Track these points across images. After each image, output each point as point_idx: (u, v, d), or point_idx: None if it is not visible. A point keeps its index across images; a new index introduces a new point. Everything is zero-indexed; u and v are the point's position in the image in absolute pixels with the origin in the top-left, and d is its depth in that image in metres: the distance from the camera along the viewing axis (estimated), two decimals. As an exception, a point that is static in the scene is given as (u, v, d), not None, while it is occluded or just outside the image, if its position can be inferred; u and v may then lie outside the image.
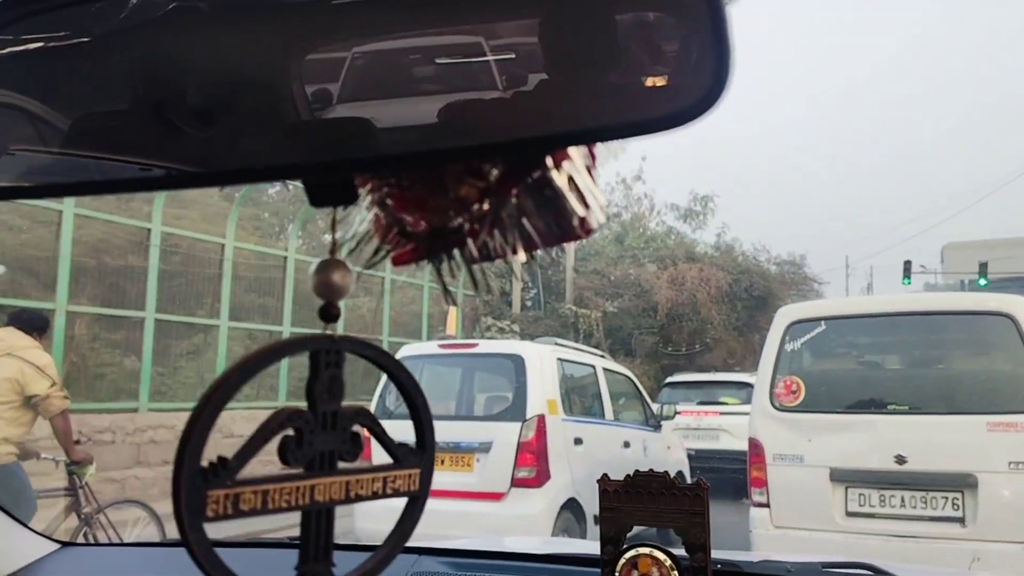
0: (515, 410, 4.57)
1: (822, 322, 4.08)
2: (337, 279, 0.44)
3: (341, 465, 0.45)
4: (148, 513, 4.55)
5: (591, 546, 0.89)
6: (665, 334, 16.25)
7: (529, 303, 16.81)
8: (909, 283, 20.11)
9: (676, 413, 7.02)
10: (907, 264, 20.28)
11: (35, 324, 4.02)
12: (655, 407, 6.70)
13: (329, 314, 0.45)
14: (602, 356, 6.16)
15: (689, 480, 6.91)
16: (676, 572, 0.84)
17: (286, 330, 9.11)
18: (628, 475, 0.92)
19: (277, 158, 0.46)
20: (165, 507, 4.50)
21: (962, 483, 3.50)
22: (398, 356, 5.17)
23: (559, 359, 5.02)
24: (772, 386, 4.01)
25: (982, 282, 18.11)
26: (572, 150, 0.45)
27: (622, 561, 0.87)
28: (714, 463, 7.82)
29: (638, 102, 0.42)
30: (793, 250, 21.91)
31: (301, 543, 0.44)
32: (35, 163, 0.48)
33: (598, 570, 0.91)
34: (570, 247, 16.31)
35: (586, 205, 0.46)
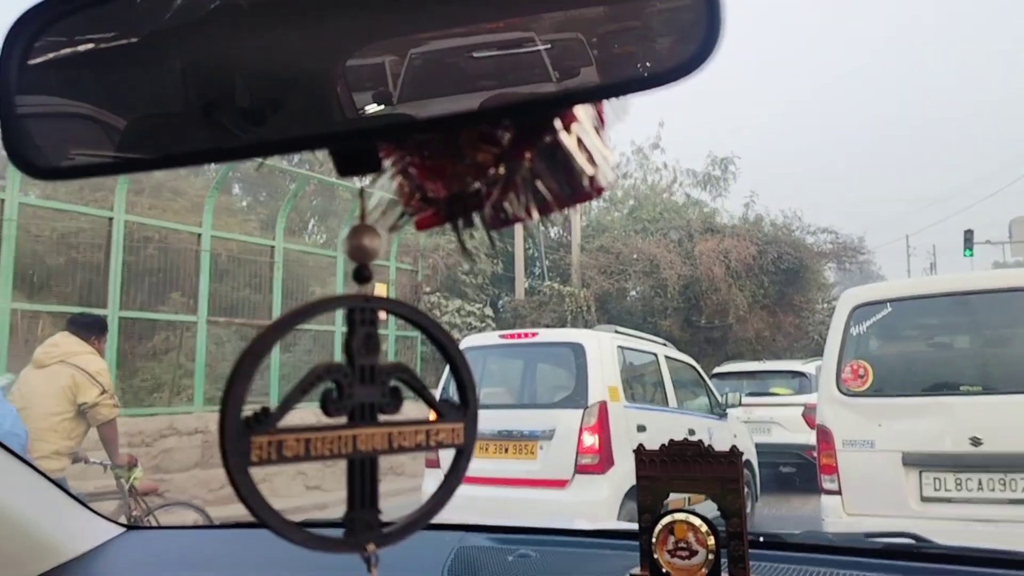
0: (577, 397, 4.61)
1: (888, 304, 3.99)
2: (368, 243, 0.47)
3: (382, 418, 0.47)
4: (199, 514, 4.51)
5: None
6: (680, 314, 14.81)
7: (527, 287, 15.76)
8: (971, 255, 18.82)
9: (741, 402, 6.89)
10: (968, 234, 18.98)
11: (92, 328, 3.93)
12: (719, 396, 6.60)
13: (362, 276, 0.48)
14: (664, 344, 6.13)
15: (758, 472, 6.79)
16: (712, 537, 0.88)
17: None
18: (663, 444, 0.96)
19: (305, 129, 0.50)
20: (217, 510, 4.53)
21: None
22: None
23: (619, 347, 5.04)
24: (839, 371, 3.94)
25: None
26: (580, 112, 0.47)
27: (659, 527, 0.91)
28: (767, 458, 7.60)
29: (638, 58, 0.44)
30: (840, 225, 19.61)
31: (348, 491, 0.46)
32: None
33: (637, 542, 0.95)
34: (576, 224, 15.54)
35: (595, 164, 0.48)
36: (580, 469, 4.42)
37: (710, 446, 0.93)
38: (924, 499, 3.61)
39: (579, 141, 0.47)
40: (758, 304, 15.27)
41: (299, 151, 0.52)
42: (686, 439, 0.95)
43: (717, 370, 10.03)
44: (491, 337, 5.49)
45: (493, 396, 5.28)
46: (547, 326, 12.41)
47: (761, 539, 1.24)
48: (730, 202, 20.11)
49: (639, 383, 5.56)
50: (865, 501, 3.73)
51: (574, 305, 14.55)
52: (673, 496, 0.95)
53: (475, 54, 0.52)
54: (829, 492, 3.87)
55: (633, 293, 14.88)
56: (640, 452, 0.98)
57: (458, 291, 13.69)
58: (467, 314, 12.56)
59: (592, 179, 0.48)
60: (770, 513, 7.18)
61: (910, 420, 3.68)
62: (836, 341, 4.01)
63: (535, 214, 0.49)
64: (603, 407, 4.52)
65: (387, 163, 0.50)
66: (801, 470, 8.49)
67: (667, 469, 0.95)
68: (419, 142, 0.50)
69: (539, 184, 0.48)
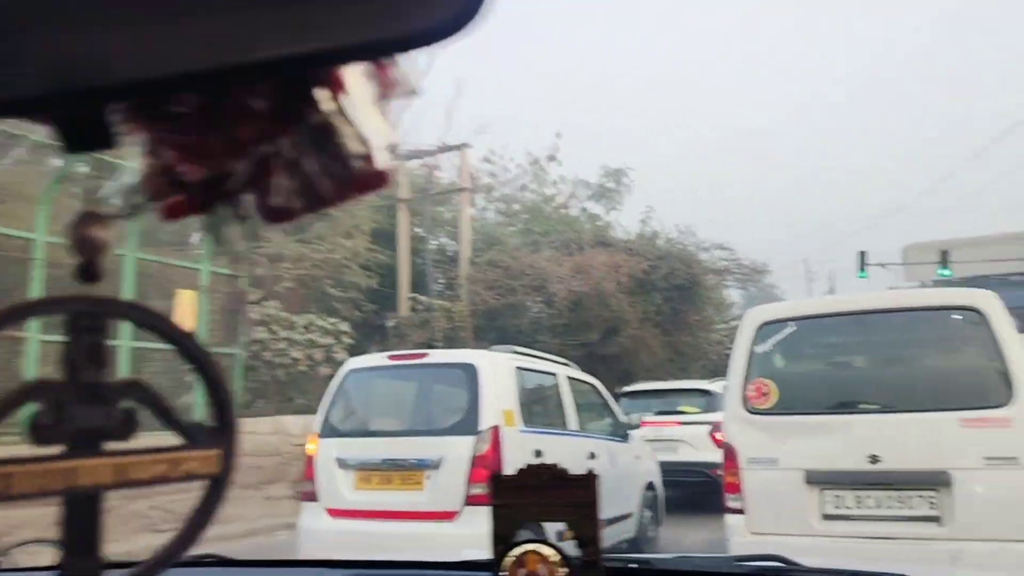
0: (468, 422, 4.55)
1: (791, 323, 4.19)
2: (96, 234, 0.41)
3: (110, 446, 0.41)
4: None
5: None
6: (571, 332, 14.74)
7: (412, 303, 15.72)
8: (865, 276, 20.37)
9: (640, 423, 7.10)
10: (862, 255, 20.60)
11: None
12: (622, 417, 6.75)
13: (89, 273, 0.42)
14: (566, 364, 6.20)
15: (661, 493, 6.98)
16: (564, 568, 0.85)
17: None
18: (520, 468, 0.93)
19: (13, 89, 0.41)
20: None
21: (937, 481, 3.60)
22: (344, 370, 5.14)
23: (517, 367, 5.04)
24: (744, 389, 4.09)
25: (945, 272, 18.83)
26: (350, 82, 0.43)
27: (509, 559, 0.88)
28: (673, 476, 7.89)
29: (391, 16, 0.41)
30: (742, 247, 20.74)
31: (64, 534, 0.40)
32: None
33: (490, 573, 0.91)
34: (465, 236, 15.77)
35: (367, 143, 0.44)
36: (470, 500, 4.33)
37: (555, 464, 0.90)
38: (825, 517, 3.77)
39: (350, 116, 0.43)
40: (650, 321, 15.45)
41: (7, 116, 0.44)
42: (542, 464, 0.92)
43: (626, 389, 10.43)
44: (378, 359, 5.36)
45: (379, 423, 5.16)
46: (422, 345, 12.36)
47: (630, 565, 1.24)
48: (627, 217, 20.59)
49: (538, 406, 5.58)
50: (769, 520, 3.87)
51: (452, 322, 14.74)
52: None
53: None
54: (733, 511, 3.99)
55: (522, 309, 14.91)
56: (495, 479, 0.94)
57: (327, 306, 13.29)
58: (317, 330, 11.97)
59: (368, 162, 0.44)
60: (674, 535, 7.38)
61: (812, 438, 3.86)
62: (741, 359, 4.16)
63: (310, 204, 0.44)
64: (496, 433, 4.49)
65: (135, 139, 0.44)
66: (708, 488, 8.88)
67: (522, 495, 0.92)
68: (170, 113, 0.44)
69: (308, 168, 0.43)
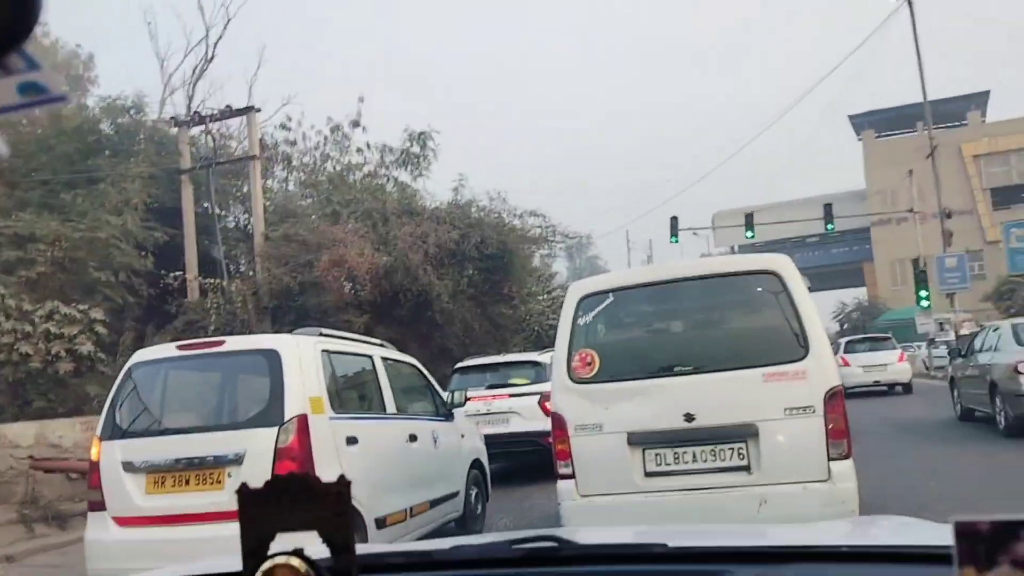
0: (271, 413, 4.41)
1: (610, 294, 4.53)
2: None
3: None
4: None
5: None
6: (378, 309, 14.27)
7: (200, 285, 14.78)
8: (677, 241, 22.66)
9: (467, 399, 7.26)
10: (673, 221, 22.73)
11: None
12: (446, 395, 6.88)
13: None
14: (381, 345, 6.18)
15: (488, 467, 7.25)
16: (316, 578, 0.89)
17: None
18: (267, 480, 0.95)
19: None
20: None
21: (745, 433, 4.08)
22: (129, 363, 4.80)
23: (324, 351, 4.94)
24: (569, 360, 4.42)
25: (749, 234, 21.50)
26: None
27: (258, 574, 0.90)
28: (506, 447, 8.26)
29: None
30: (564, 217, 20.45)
31: None
32: None
33: None
34: (258, 210, 15.10)
35: None
36: None
37: (307, 473, 0.93)
38: (648, 474, 4.20)
39: None
40: (464, 294, 15.09)
41: None
42: (291, 474, 0.95)
43: (458, 365, 10.65)
44: (167, 349, 5.03)
45: (171, 419, 4.87)
46: (216, 332, 11.89)
47: (412, 558, 1.30)
48: (438, 185, 20.32)
49: (351, 391, 5.54)
50: (597, 481, 4.25)
51: (246, 305, 14.00)
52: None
53: None
54: (564, 476, 4.33)
55: (322, 286, 14.11)
56: (241, 491, 0.95)
57: (88, 288, 12.19)
58: (61, 319, 10.69)
59: None
60: (507, 506, 7.71)
61: (633, 402, 4.24)
62: (566, 331, 4.48)
63: None
64: (303, 421, 4.38)
65: None
66: (540, 457, 9.36)
67: (270, 507, 0.94)
68: None
69: None
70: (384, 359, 5.81)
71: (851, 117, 47.43)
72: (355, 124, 19.40)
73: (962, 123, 42.44)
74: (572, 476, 4.28)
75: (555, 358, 4.58)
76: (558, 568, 1.13)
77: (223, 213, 16.89)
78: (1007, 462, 7.98)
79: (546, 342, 20.16)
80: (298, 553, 0.89)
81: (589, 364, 4.38)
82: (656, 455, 4.19)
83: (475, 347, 14.78)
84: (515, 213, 16.92)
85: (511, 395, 9.49)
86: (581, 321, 4.48)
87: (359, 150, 19.38)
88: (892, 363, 18.01)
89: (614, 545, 1.43)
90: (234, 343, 4.87)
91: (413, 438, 5.75)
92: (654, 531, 1.28)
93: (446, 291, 14.43)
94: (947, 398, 12.73)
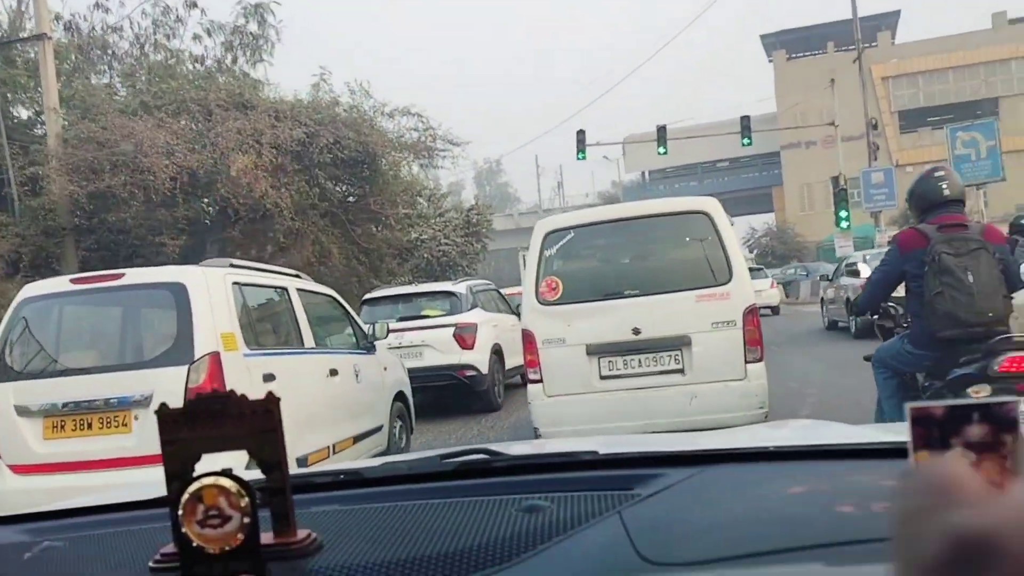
0: (179, 350, 4.31)
1: (571, 231, 5.50)
2: None
3: None
4: None
5: None
6: (199, 229, 12.16)
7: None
8: (584, 157, 22.54)
9: (389, 331, 7.21)
10: (580, 135, 22.33)
11: None
12: (367, 328, 6.82)
13: None
14: (297, 276, 6.03)
15: (411, 400, 7.30)
16: (246, 497, 0.87)
17: None
18: (189, 399, 0.92)
19: None
20: None
21: (680, 343, 5.17)
22: (18, 299, 4.53)
23: (235, 283, 4.80)
24: (537, 286, 5.41)
25: (661, 150, 21.90)
26: None
27: (185, 497, 0.88)
28: (420, 381, 8.26)
29: None
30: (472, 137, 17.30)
31: None
32: None
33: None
34: (51, 103, 11.88)
35: None
36: None
37: (231, 391, 0.91)
38: (603, 377, 5.24)
39: None
40: (315, 210, 13.11)
41: None
42: (214, 391, 0.92)
43: (367, 296, 10.46)
44: (60, 283, 4.80)
45: (70, 359, 4.69)
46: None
47: (341, 477, 1.31)
48: (296, 81, 17.32)
49: (265, 324, 5.43)
50: (560, 384, 5.27)
51: (39, 228, 11.67)
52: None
53: None
54: (533, 381, 5.35)
55: (119, 200, 11.51)
56: (161, 412, 0.92)
57: None
58: None
59: None
60: (427, 441, 7.82)
61: (590, 320, 5.25)
62: (533, 262, 5.46)
63: None
64: (215, 359, 4.30)
65: None
66: (455, 391, 9.38)
67: (194, 428, 0.91)
68: None
69: None
70: (300, 291, 5.72)
71: (762, 37, 48.39)
72: (191, 5, 16.34)
73: (872, 44, 43.76)
74: (540, 381, 5.30)
75: (525, 284, 5.52)
76: (490, 479, 1.16)
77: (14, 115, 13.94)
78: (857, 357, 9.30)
79: (437, 272, 19.16)
80: (226, 473, 0.87)
81: (554, 289, 5.37)
82: (609, 362, 5.25)
83: (337, 277, 13.10)
84: (383, 110, 14.36)
85: (424, 327, 9.41)
86: (547, 253, 5.45)
87: (196, 37, 16.47)
88: (765, 289, 21.19)
89: (545, 455, 1.47)
90: (135, 276, 4.66)
91: (334, 372, 5.71)
92: (585, 443, 1.32)
93: (287, 205, 12.22)
94: (813, 319, 17.15)
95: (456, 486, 1.17)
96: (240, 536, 0.87)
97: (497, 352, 9.92)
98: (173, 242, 11.71)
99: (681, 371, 5.16)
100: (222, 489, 0.88)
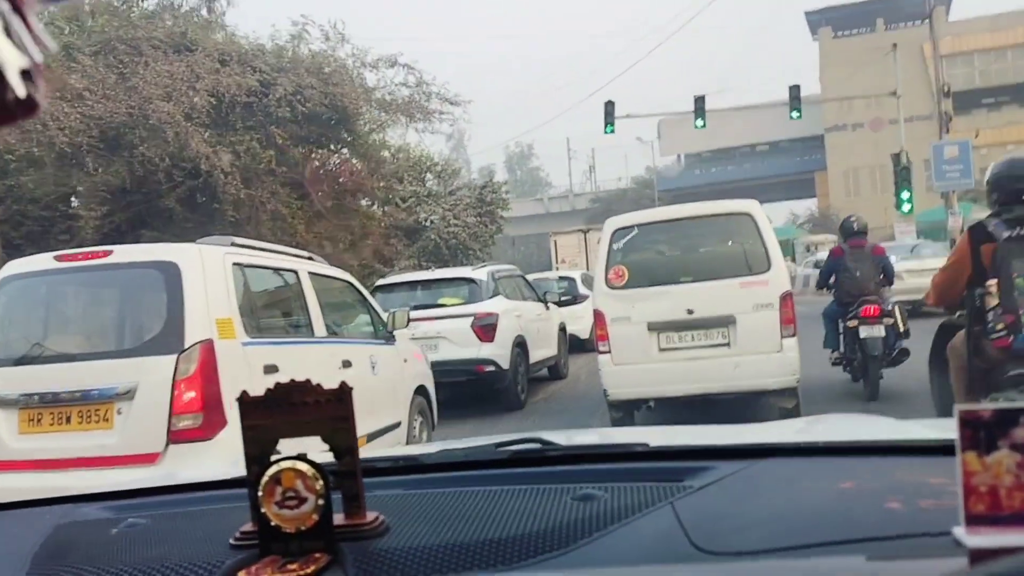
0: (168, 338, 4.32)
1: (635, 228, 7.34)
2: None
3: None
4: None
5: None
6: (123, 197, 10.99)
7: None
8: (612, 131, 21.20)
9: (407, 320, 7.10)
10: (608, 106, 21.09)
11: None
12: (386, 316, 6.80)
13: None
14: (310, 258, 6.09)
15: (433, 394, 7.39)
16: (320, 481, 1.02)
17: None
18: (268, 388, 1.06)
19: None
20: None
21: (727, 322, 6.85)
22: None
23: (236, 264, 4.86)
24: (607, 273, 7.20)
25: (699, 123, 20.75)
26: None
27: (264, 478, 1.03)
28: (435, 376, 8.22)
29: None
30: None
31: None
32: None
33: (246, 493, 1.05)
34: None
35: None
36: (175, 436, 4.16)
37: (307, 380, 1.05)
38: (661, 350, 6.97)
39: None
40: (272, 178, 11.71)
41: None
42: (292, 380, 1.06)
43: (380, 282, 10.74)
44: (43, 260, 4.84)
45: (49, 344, 4.74)
46: None
47: (400, 463, 1.46)
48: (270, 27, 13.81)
49: (271, 311, 5.54)
50: (626, 355, 6.99)
51: None
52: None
53: None
54: (603, 352, 7.11)
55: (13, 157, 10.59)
56: (243, 399, 1.06)
57: None
58: None
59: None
60: (453, 435, 7.92)
61: (651, 302, 6.97)
62: (604, 254, 7.27)
63: None
64: (207, 349, 4.31)
65: None
66: (474, 388, 9.42)
67: (272, 415, 1.06)
68: None
69: None
70: (312, 274, 5.85)
71: (807, 14, 48.25)
72: None
73: (924, 21, 43.49)
74: (608, 352, 7.07)
75: (596, 272, 7.42)
76: (543, 468, 1.31)
77: None
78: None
79: (447, 257, 18.48)
80: (302, 457, 1.02)
81: (620, 276, 7.11)
82: (667, 337, 6.97)
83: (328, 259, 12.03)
84: (364, 60, 12.74)
85: (440, 317, 9.45)
86: (615, 246, 7.25)
87: None
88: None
89: (596, 445, 1.62)
90: (123, 253, 4.80)
91: (347, 364, 5.78)
92: (637, 434, 1.47)
93: (234, 167, 10.85)
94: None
95: (511, 474, 1.34)
96: (315, 517, 1.03)
97: (520, 345, 9.94)
98: (90, 213, 10.68)
99: (728, 344, 6.86)
100: (299, 472, 1.04)
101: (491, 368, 9.21)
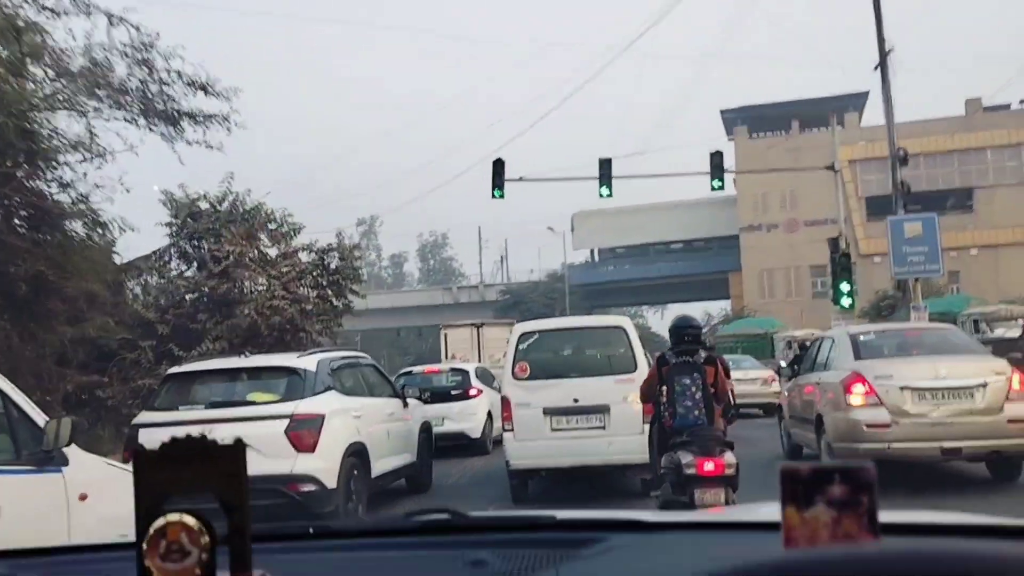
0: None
1: (537, 333, 9.97)
2: None
3: None
4: None
5: None
6: None
7: None
8: (501, 195, 19.79)
9: (74, 431, 5.14)
10: (497, 165, 19.82)
11: None
12: (45, 425, 5.00)
13: None
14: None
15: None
16: (206, 536, 1.10)
17: None
18: (163, 442, 1.15)
19: None
20: None
21: (604, 409, 9.12)
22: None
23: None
24: (513, 367, 9.48)
25: (604, 191, 19.43)
26: None
27: (150, 533, 1.10)
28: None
29: None
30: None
31: None
32: None
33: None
34: None
35: None
36: None
37: (202, 434, 1.14)
38: (553, 429, 9.21)
39: None
40: None
41: None
42: (188, 435, 1.15)
43: (171, 371, 9.05)
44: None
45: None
46: None
47: (315, 530, 1.54)
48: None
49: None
50: (525, 432, 9.20)
51: None
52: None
53: None
54: (507, 431, 9.36)
55: None
56: (137, 452, 1.14)
57: None
58: None
59: None
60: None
61: (547, 391, 9.28)
62: (512, 352, 9.64)
63: None
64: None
65: None
66: (282, 511, 7.09)
67: (165, 469, 1.14)
68: None
69: None
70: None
71: (723, 112, 50.60)
72: None
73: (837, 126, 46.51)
74: (512, 430, 9.29)
75: (505, 366, 9.79)
76: (448, 537, 1.41)
77: None
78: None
79: (268, 340, 15.58)
80: (192, 511, 1.11)
81: (524, 370, 9.44)
82: (557, 419, 9.20)
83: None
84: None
85: (242, 418, 7.47)
86: (521, 347, 9.60)
87: None
88: (758, 379, 22.18)
89: (504, 517, 1.75)
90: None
91: None
92: (557, 511, 1.63)
93: None
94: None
95: (413, 541, 1.43)
96: (197, 571, 1.10)
97: (357, 454, 8.26)
98: None
99: (603, 427, 9.14)
100: (185, 527, 1.10)
101: (310, 487, 7.45)
